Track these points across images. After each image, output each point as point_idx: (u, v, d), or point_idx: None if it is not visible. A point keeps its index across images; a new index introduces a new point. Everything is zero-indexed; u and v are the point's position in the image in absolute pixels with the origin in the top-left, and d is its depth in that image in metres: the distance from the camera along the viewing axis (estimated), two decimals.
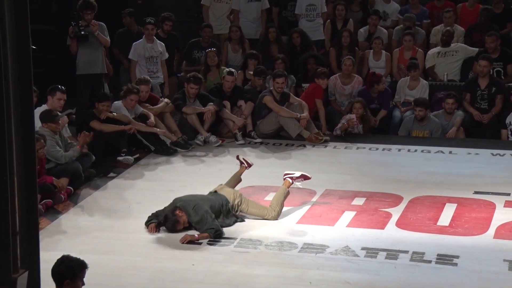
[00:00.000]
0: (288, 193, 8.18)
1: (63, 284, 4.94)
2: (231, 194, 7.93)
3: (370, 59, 12.59)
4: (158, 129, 10.40)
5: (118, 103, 10.32)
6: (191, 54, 12.67)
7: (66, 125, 9.84)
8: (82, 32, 11.07)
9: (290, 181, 8.24)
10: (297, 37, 12.60)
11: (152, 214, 7.77)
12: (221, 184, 8.16)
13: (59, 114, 9.26)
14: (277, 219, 7.90)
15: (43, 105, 9.56)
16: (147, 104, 10.73)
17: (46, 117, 8.88)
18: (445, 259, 6.93)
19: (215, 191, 7.99)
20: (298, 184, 8.27)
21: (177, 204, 7.58)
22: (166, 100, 11.08)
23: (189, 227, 7.56)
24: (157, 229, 7.59)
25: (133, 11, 12.61)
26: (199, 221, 7.42)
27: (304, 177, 8.31)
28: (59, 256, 5.16)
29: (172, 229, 7.50)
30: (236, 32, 12.67)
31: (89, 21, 11.10)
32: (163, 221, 7.57)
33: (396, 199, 8.53)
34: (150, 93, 10.97)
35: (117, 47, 12.26)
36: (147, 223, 7.69)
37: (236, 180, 8.45)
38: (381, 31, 13.03)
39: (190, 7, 14.69)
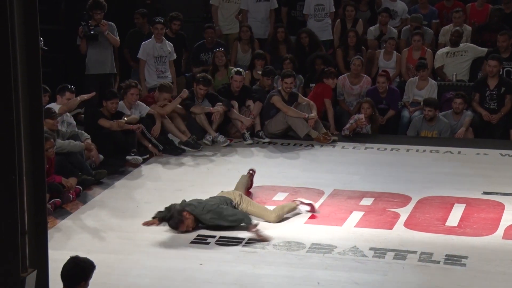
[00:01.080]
0: (294, 209, 8.10)
1: (79, 285, 4.98)
2: (230, 195, 7.94)
3: (380, 59, 12.56)
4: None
5: (120, 103, 10.34)
6: (198, 57, 12.70)
7: (74, 123, 9.86)
8: (92, 32, 11.10)
9: (298, 202, 8.11)
10: (305, 37, 12.60)
11: (166, 208, 7.76)
12: (222, 191, 8.16)
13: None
14: (276, 222, 7.86)
15: (52, 103, 9.59)
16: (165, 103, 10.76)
17: (44, 114, 8.87)
18: (453, 259, 6.91)
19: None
20: (302, 209, 8.06)
21: (186, 208, 7.59)
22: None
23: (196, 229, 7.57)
24: (155, 223, 7.63)
25: (146, 11, 12.63)
26: (215, 216, 7.46)
27: (312, 207, 8.07)
28: (67, 255, 5.18)
29: (175, 227, 7.52)
30: (246, 32, 12.68)
31: (99, 21, 11.13)
32: (168, 218, 7.58)
33: (404, 200, 8.51)
34: None
35: (127, 47, 12.26)
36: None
37: (242, 185, 8.46)
38: (391, 31, 13.01)
39: (199, 7, 14.70)
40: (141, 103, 10.50)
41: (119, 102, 10.29)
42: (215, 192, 8.13)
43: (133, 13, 12.70)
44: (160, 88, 10.80)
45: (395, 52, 12.53)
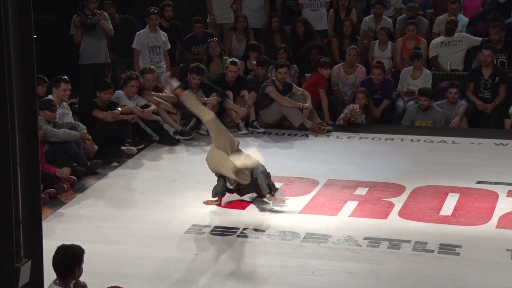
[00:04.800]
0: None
1: (74, 271, 4.98)
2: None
3: (375, 49, 12.55)
4: (159, 117, 10.45)
5: (119, 92, 10.35)
6: (190, 50, 12.70)
7: (71, 113, 9.86)
8: (89, 21, 11.07)
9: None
10: (300, 26, 12.58)
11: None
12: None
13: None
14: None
15: (49, 96, 9.56)
16: (162, 101, 10.71)
17: (44, 104, 8.88)
18: (447, 248, 6.94)
19: None
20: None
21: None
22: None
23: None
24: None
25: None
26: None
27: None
28: None
29: None
30: (243, 22, 12.67)
31: (93, 10, 11.12)
32: None
33: (398, 189, 8.53)
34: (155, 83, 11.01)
35: None
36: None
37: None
38: (386, 21, 13.01)
39: None
40: (139, 96, 10.52)
41: (119, 92, 10.31)
42: (209, 182, 8.14)
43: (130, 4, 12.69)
44: (143, 71, 10.79)
45: (390, 42, 12.52)
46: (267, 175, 7.99)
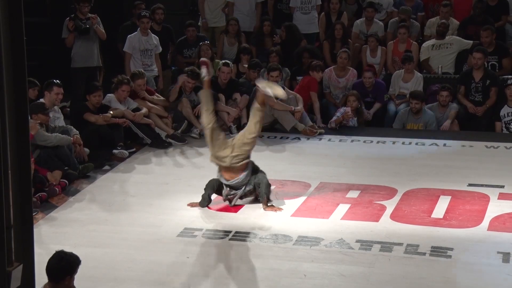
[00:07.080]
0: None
1: (65, 280, 4.96)
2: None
3: (367, 56, 12.58)
4: (151, 120, 10.45)
5: (110, 96, 10.34)
6: (182, 53, 12.70)
7: (62, 117, 9.84)
8: (83, 26, 11.06)
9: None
10: (282, 31, 12.63)
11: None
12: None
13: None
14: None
15: (40, 99, 9.55)
16: (153, 106, 10.71)
17: (37, 108, 8.86)
18: (439, 251, 6.95)
19: None
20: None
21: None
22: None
23: None
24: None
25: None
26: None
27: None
28: (53, 249, 5.16)
29: None
30: (234, 25, 12.68)
31: (85, 14, 11.10)
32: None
33: (390, 192, 8.54)
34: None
35: (122, 42, 12.09)
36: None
37: None
38: (377, 24, 13.04)
39: (186, 0, 14.71)
40: (131, 99, 10.51)
41: (110, 95, 10.30)
42: (201, 186, 8.13)
43: (124, 6, 12.68)
44: (132, 76, 10.75)
45: (379, 47, 12.54)
46: (268, 186, 8.06)
